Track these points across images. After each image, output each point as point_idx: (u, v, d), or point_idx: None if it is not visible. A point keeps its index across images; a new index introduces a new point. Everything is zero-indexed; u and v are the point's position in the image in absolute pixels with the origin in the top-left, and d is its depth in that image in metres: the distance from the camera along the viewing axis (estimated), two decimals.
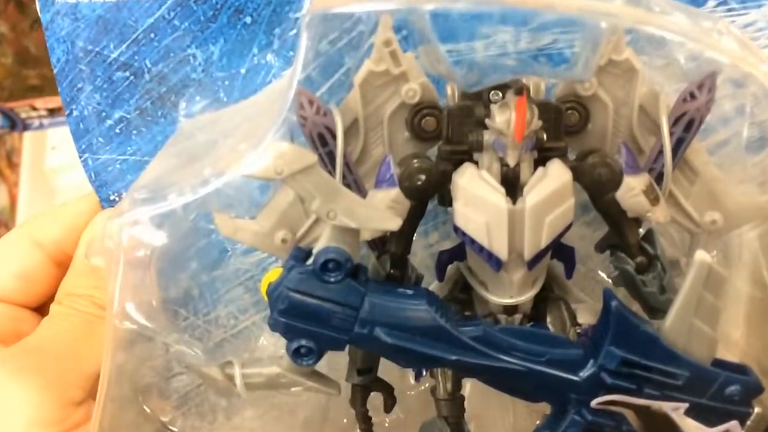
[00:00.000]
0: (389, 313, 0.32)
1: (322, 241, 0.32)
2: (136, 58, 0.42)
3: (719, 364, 0.34)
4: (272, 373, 0.35)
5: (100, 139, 0.43)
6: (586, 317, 0.38)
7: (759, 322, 0.39)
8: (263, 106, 0.36)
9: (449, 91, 0.37)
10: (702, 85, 0.35)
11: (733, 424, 0.33)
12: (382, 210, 0.32)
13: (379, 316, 0.32)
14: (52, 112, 1.09)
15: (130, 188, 0.34)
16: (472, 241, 0.33)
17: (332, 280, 0.32)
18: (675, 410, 0.33)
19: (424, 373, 0.39)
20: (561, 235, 0.34)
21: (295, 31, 0.40)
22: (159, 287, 0.37)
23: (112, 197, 0.44)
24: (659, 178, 0.36)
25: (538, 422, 0.38)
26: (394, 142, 0.37)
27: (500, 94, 0.35)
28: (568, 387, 0.33)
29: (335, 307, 0.32)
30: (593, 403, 0.33)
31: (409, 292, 0.33)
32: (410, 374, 0.41)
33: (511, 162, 0.33)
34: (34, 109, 1.10)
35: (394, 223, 0.32)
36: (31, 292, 0.45)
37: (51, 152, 1.06)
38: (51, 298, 0.45)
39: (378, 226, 0.32)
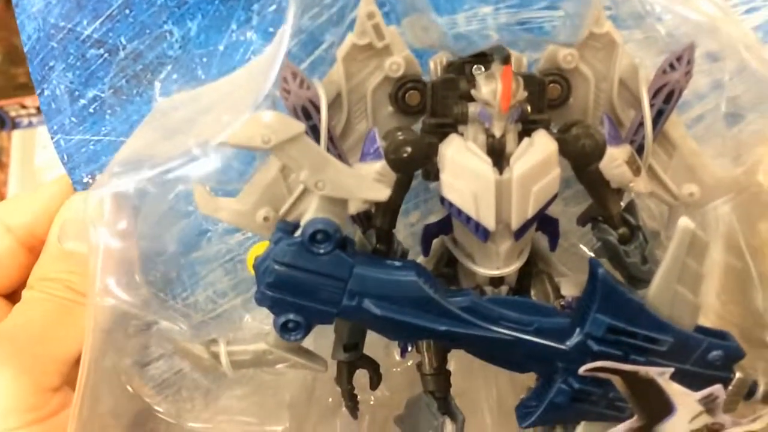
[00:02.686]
0: (378, 284, 0.32)
1: (310, 212, 0.32)
2: (111, 34, 0.41)
3: (701, 330, 0.34)
4: (259, 350, 0.34)
5: (73, 119, 0.42)
6: (570, 290, 0.38)
7: (737, 290, 0.40)
8: (244, 82, 0.36)
9: (432, 66, 0.37)
10: (681, 56, 0.35)
11: (717, 387, 0.33)
12: (370, 180, 0.32)
13: (367, 287, 0.32)
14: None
15: (109, 164, 0.33)
16: (459, 212, 0.33)
17: (321, 251, 0.31)
18: (661, 375, 0.33)
19: (410, 348, 0.39)
20: (547, 205, 0.34)
21: (274, 6, 0.40)
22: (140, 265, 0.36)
23: (85, 179, 0.43)
24: (639, 150, 0.37)
25: (522, 396, 0.39)
26: (378, 117, 0.37)
27: (482, 69, 0.35)
28: (555, 355, 0.34)
29: (324, 280, 0.32)
30: (581, 370, 0.33)
31: (397, 263, 0.33)
32: (396, 351, 0.41)
33: (497, 132, 0.33)
34: (24, 107, 1.09)
35: (383, 193, 0.31)
36: (2, 278, 0.44)
37: (41, 150, 1.04)
38: (22, 285, 0.43)
39: (367, 196, 0.31)
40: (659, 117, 0.36)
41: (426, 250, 0.37)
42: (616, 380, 0.33)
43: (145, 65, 0.41)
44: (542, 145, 0.33)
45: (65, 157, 0.43)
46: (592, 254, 0.38)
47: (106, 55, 0.41)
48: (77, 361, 0.38)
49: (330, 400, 0.41)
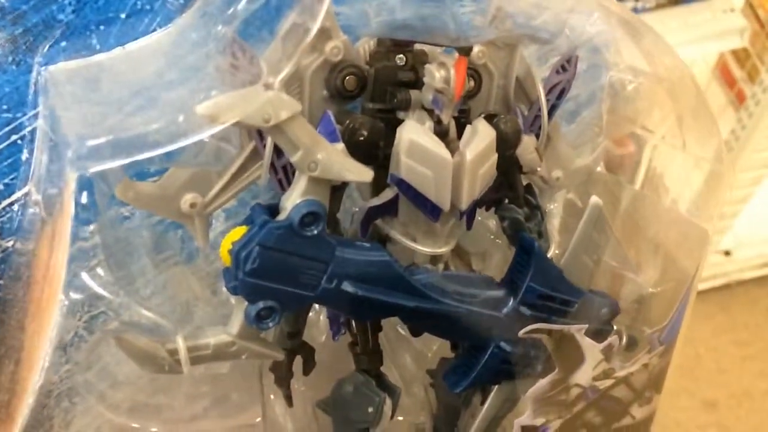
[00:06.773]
0: (356, 265, 0.33)
1: (297, 193, 0.31)
2: None
3: (592, 291, 0.41)
4: (221, 342, 0.32)
5: None
6: (478, 264, 0.42)
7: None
8: (188, 56, 0.33)
9: (361, 51, 0.38)
10: (570, 59, 0.41)
11: (614, 338, 0.40)
12: (355, 162, 0.32)
13: (347, 269, 0.32)
14: None
15: (69, 141, 0.28)
16: (416, 194, 0.35)
17: (315, 232, 0.31)
18: (579, 331, 0.38)
19: (343, 331, 0.39)
20: (487, 186, 0.37)
21: None
22: None
23: None
24: None
25: (430, 368, 0.42)
26: (313, 100, 0.37)
27: (404, 59, 0.37)
28: (493, 323, 0.37)
29: (307, 263, 0.31)
30: (522, 332, 0.37)
31: (366, 244, 0.34)
32: (317, 332, 0.41)
33: (446, 119, 0.36)
34: None
35: (368, 175, 0.32)
36: None
37: None
38: None
39: (355, 178, 0.31)
40: (553, 111, 0.42)
41: (365, 232, 0.38)
42: (546, 339, 0.38)
43: (26, 29, 0.35)
44: (485, 132, 0.36)
45: None
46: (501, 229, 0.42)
47: None
48: None
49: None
